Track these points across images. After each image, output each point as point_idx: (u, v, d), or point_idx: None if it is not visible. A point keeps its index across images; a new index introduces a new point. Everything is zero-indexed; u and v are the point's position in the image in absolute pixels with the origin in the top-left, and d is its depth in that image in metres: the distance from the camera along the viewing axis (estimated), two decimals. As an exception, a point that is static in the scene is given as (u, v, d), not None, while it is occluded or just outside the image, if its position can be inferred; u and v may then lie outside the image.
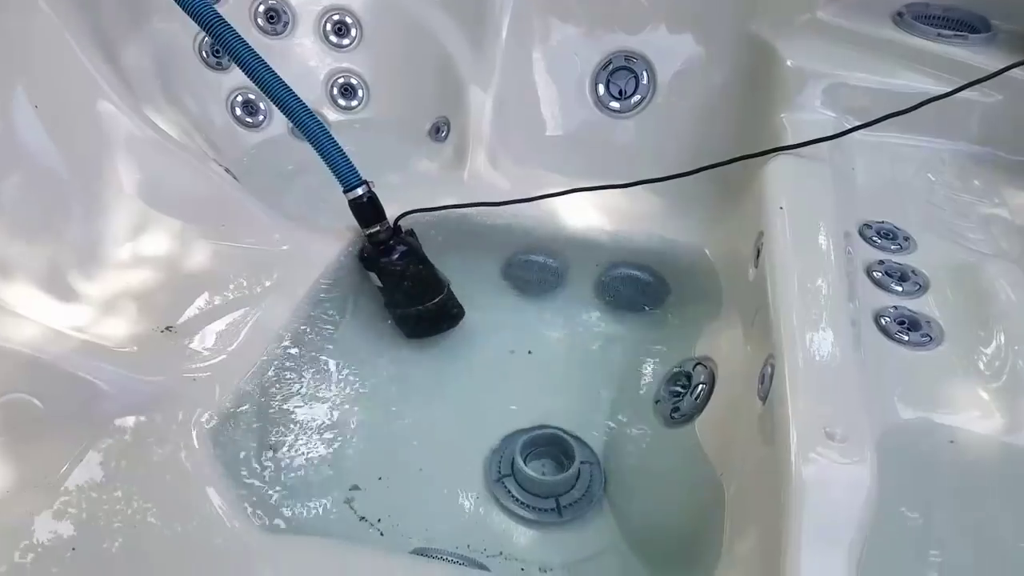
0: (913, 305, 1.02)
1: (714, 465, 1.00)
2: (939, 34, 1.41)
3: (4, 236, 1.05)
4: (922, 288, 1.05)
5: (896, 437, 0.82)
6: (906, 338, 0.96)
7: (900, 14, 1.47)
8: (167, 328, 1.09)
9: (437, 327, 1.36)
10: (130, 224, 1.18)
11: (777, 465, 0.77)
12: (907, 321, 0.98)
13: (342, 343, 1.33)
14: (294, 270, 1.25)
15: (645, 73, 1.61)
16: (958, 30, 1.43)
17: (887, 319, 0.98)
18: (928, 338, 0.96)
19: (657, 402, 1.21)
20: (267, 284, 1.21)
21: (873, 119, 1.25)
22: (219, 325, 1.13)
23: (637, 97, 1.62)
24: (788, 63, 1.40)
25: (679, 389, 1.18)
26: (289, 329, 1.19)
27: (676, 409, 1.15)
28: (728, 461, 0.98)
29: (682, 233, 1.41)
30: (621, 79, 1.62)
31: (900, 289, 1.04)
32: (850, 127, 1.27)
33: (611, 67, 1.62)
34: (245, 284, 1.20)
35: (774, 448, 0.79)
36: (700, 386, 1.13)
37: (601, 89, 1.63)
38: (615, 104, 1.63)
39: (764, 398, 0.87)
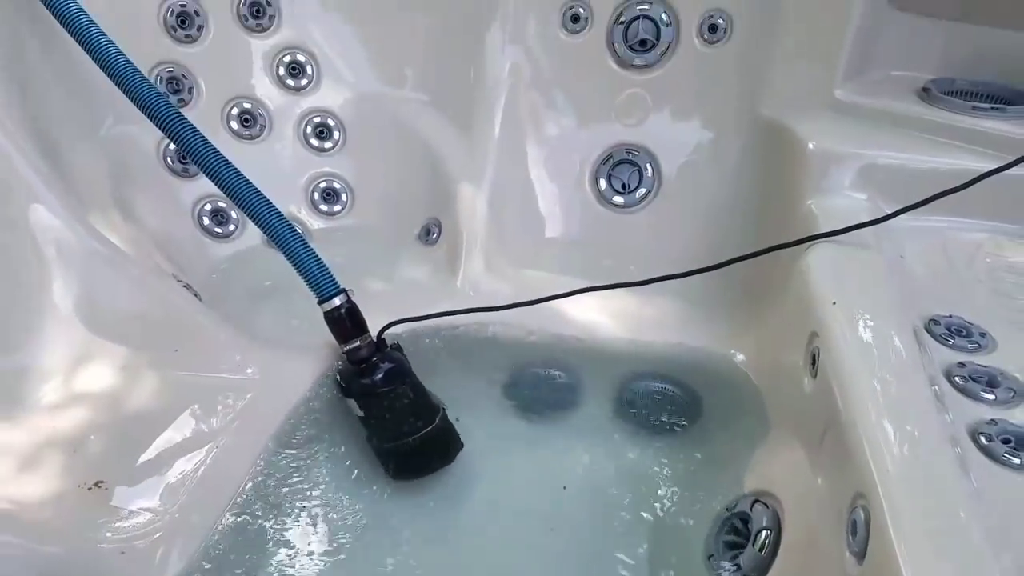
0: (1012, 417, 0.83)
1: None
2: (973, 108, 1.31)
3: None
4: (1018, 395, 0.87)
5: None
6: (1016, 461, 0.77)
7: (926, 90, 1.38)
8: (96, 484, 0.90)
9: (428, 464, 1.16)
10: (65, 354, 1.01)
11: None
12: (1013, 439, 0.80)
13: (314, 490, 1.12)
14: (260, 401, 1.08)
15: (649, 165, 1.53)
16: (993, 103, 1.33)
17: (988, 437, 0.80)
18: (1043, 458, 0.77)
19: (710, 557, 0.98)
20: (227, 419, 1.03)
21: (920, 200, 1.12)
22: (163, 475, 0.94)
23: (643, 190, 1.54)
24: (810, 146, 1.30)
25: (736, 538, 0.96)
26: (250, 477, 1.02)
27: (737, 568, 0.93)
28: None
29: (709, 339, 1.27)
30: (623, 172, 1.54)
31: (992, 397, 0.86)
32: (894, 210, 1.13)
33: (612, 161, 1.54)
34: (200, 421, 1.02)
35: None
36: (764, 532, 0.92)
37: (603, 184, 1.55)
38: (619, 199, 1.55)
39: (860, 555, 0.67)
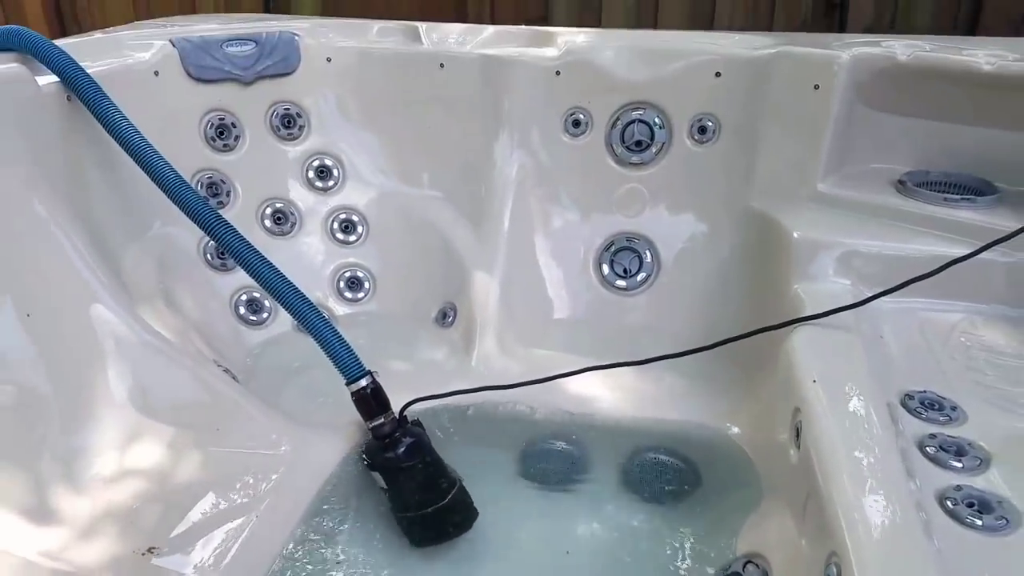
0: (977, 483, 0.91)
1: None
2: (945, 198, 1.41)
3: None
4: (984, 463, 0.95)
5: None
6: (979, 523, 0.85)
7: (902, 182, 1.48)
8: (149, 550, 0.98)
9: (447, 532, 1.23)
10: (118, 435, 1.11)
11: None
12: (976, 502, 0.87)
13: (344, 555, 1.20)
14: (294, 475, 1.16)
15: (648, 252, 1.62)
16: (963, 194, 1.43)
17: (954, 501, 0.88)
18: (1005, 520, 0.85)
19: (707, 615, 1.06)
20: (264, 489, 1.12)
21: (895, 285, 1.21)
22: (208, 542, 1.02)
23: (643, 275, 1.62)
24: (795, 235, 1.39)
25: (729, 596, 1.04)
26: (286, 541, 1.10)
27: (728, 622, 1.00)
28: None
29: (706, 414, 1.33)
30: (624, 259, 1.63)
31: (960, 465, 0.94)
32: (872, 294, 1.22)
33: (613, 248, 1.63)
34: (240, 492, 1.10)
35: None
36: (755, 591, 0.99)
37: (606, 269, 1.64)
38: (621, 282, 1.63)
39: (833, 606, 0.75)
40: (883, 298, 1.22)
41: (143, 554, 0.97)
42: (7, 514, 0.96)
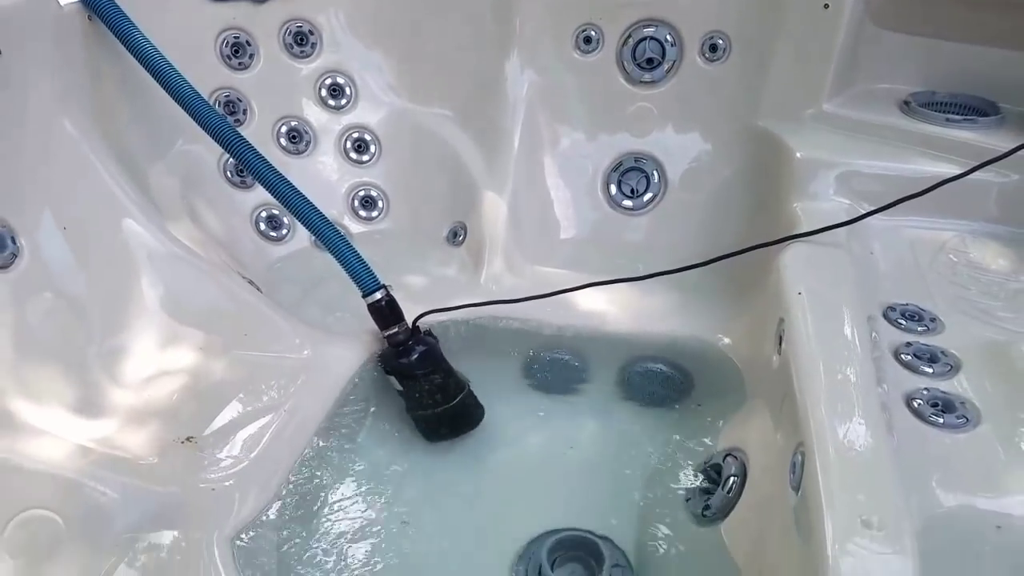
0: (945, 386, 0.98)
1: (750, 565, 0.95)
2: (947, 119, 1.43)
3: (29, 357, 1.07)
4: (954, 369, 1.02)
5: (938, 526, 0.78)
6: (941, 421, 0.92)
7: (907, 102, 1.49)
8: (188, 439, 1.09)
9: (457, 429, 1.34)
10: (154, 338, 1.20)
11: (814, 560, 0.72)
12: (941, 403, 0.95)
13: (364, 448, 1.31)
14: (316, 377, 1.25)
15: (656, 172, 1.65)
16: (966, 115, 1.45)
17: (919, 402, 0.95)
18: (964, 419, 0.92)
19: (688, 500, 1.16)
20: (290, 391, 1.21)
21: (886, 204, 1.25)
22: (241, 433, 1.12)
23: (649, 195, 1.66)
24: (798, 155, 1.42)
25: (709, 485, 1.13)
26: (311, 436, 1.20)
27: (707, 507, 1.10)
28: (764, 559, 0.92)
29: (700, 327, 1.40)
30: (632, 179, 1.66)
31: (931, 371, 1.01)
32: (864, 212, 1.27)
33: (622, 168, 1.66)
34: (267, 392, 1.20)
35: (810, 542, 0.75)
36: (731, 479, 1.08)
37: (613, 189, 1.67)
38: (628, 203, 1.67)
39: (797, 488, 0.83)
40: (878, 216, 1.27)
41: (183, 442, 1.08)
42: (60, 407, 1.06)
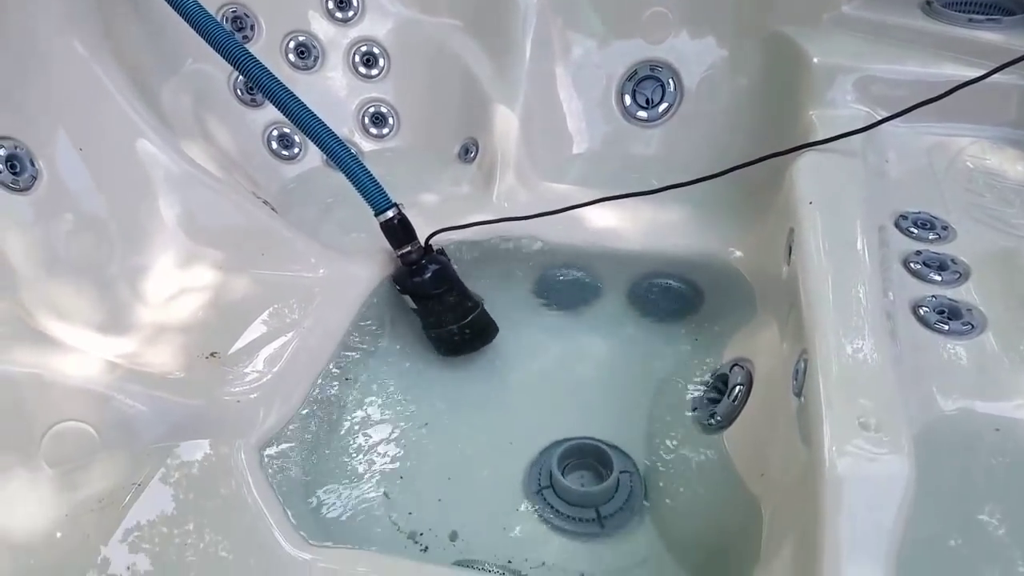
0: (953, 294, 0.99)
1: (753, 470, 0.98)
2: (970, 19, 1.38)
3: (56, 277, 1.10)
4: (963, 276, 1.02)
5: (938, 428, 0.80)
6: (946, 327, 0.93)
7: (928, 3, 1.45)
8: (212, 354, 1.13)
9: (471, 345, 1.37)
10: (174, 257, 1.23)
11: (813, 462, 0.75)
12: (947, 310, 0.96)
13: (381, 364, 1.35)
14: (333, 295, 1.28)
15: (671, 81, 1.62)
16: (990, 14, 1.40)
17: (925, 309, 0.96)
18: (970, 326, 0.93)
19: (695, 409, 1.19)
20: (308, 309, 1.24)
21: (903, 109, 1.23)
22: (263, 350, 1.16)
23: (664, 105, 1.63)
24: (815, 60, 1.39)
25: (716, 395, 1.16)
26: (331, 352, 1.23)
27: (713, 414, 1.13)
28: (767, 465, 0.95)
29: (712, 239, 1.39)
30: (647, 88, 1.63)
31: (939, 278, 1.02)
32: (880, 119, 1.24)
33: (636, 77, 1.63)
34: (286, 310, 1.23)
35: (810, 445, 0.77)
36: (737, 388, 1.11)
37: (628, 100, 1.64)
38: (643, 113, 1.64)
39: (799, 394, 0.86)
40: (894, 123, 1.25)
41: (207, 357, 1.12)
42: (87, 324, 1.10)
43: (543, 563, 1.08)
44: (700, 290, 1.41)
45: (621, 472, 1.17)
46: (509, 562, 1.08)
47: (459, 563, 1.05)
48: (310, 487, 1.13)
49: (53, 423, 0.97)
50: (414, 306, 1.34)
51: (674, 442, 1.18)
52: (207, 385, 1.08)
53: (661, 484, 1.15)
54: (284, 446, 1.10)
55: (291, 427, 1.12)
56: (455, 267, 1.36)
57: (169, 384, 1.06)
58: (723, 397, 1.13)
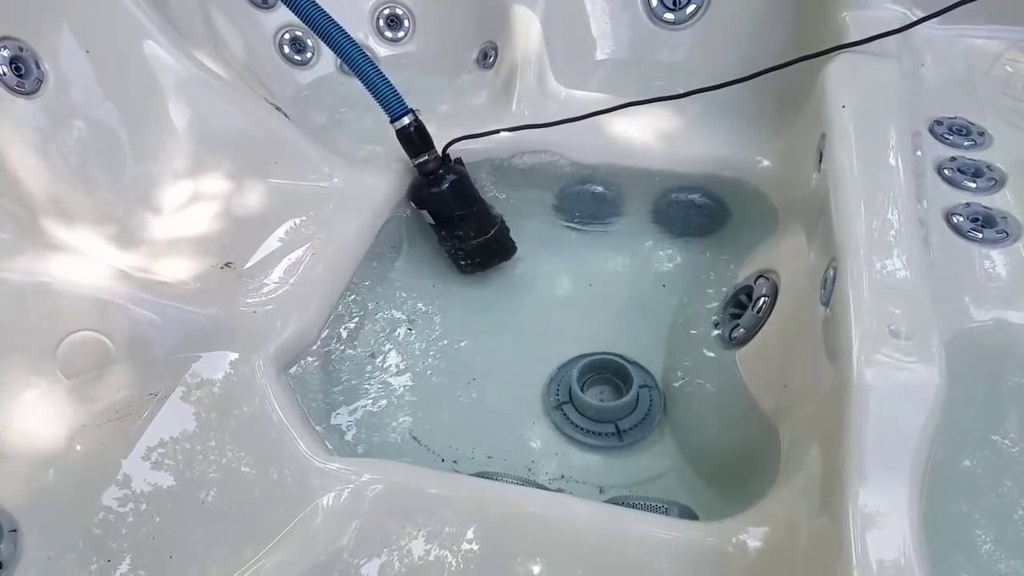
0: (987, 201, 0.96)
1: (775, 384, 0.98)
2: (1018, -88, 1.29)
3: (66, 183, 1.08)
4: (998, 183, 0.99)
5: (969, 336, 0.78)
6: (980, 236, 0.91)
7: None
8: (227, 264, 1.12)
9: (490, 261, 1.35)
10: (185, 165, 1.21)
11: (840, 371, 0.74)
12: (981, 218, 0.93)
13: (399, 278, 1.34)
14: (349, 206, 1.26)
15: (700, -22, 1.53)
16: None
17: (959, 217, 0.93)
18: (1004, 234, 0.91)
19: (716, 324, 1.18)
20: (323, 219, 1.22)
21: (940, 9, 1.16)
22: (278, 260, 1.15)
23: (692, 7, 1.55)
24: (850, -43, 1.31)
25: (737, 310, 1.14)
26: (347, 265, 1.21)
27: (735, 327, 1.11)
28: (790, 378, 0.95)
29: (740, 149, 1.35)
30: (674, -14, 1.54)
31: (974, 186, 0.99)
32: (916, 19, 1.18)
33: (663, -26, 1.54)
34: (301, 220, 1.21)
35: (837, 356, 0.76)
36: (762, 299, 1.09)
37: (654, 0, 1.56)
38: (669, 15, 1.56)
39: (827, 303, 0.84)
40: (931, 25, 1.19)
41: (222, 268, 1.11)
42: (100, 233, 1.09)
43: (562, 476, 1.09)
44: (725, 205, 1.37)
45: (640, 387, 1.17)
46: (530, 472, 1.10)
47: (479, 475, 1.07)
48: (332, 405, 1.14)
49: (67, 333, 0.97)
50: (432, 221, 1.32)
51: (695, 358, 1.18)
52: (222, 295, 1.07)
53: (680, 399, 1.16)
54: (305, 363, 1.10)
55: (307, 340, 1.11)
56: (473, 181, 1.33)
57: (183, 294, 1.05)
58: (746, 309, 1.11)
